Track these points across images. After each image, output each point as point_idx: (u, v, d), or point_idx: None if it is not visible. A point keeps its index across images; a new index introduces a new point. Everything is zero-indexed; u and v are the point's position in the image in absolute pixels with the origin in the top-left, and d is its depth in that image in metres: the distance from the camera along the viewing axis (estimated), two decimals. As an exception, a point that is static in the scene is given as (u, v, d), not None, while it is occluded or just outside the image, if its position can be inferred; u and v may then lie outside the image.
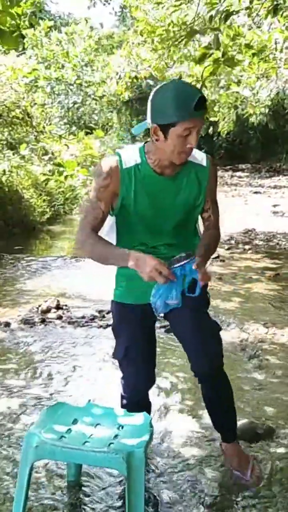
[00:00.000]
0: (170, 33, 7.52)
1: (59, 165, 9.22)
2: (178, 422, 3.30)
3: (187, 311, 2.44)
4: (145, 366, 2.66)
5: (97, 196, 2.40)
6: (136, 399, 2.70)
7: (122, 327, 2.65)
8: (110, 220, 2.53)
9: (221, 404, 2.75)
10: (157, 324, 3.16)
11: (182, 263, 2.20)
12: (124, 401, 2.73)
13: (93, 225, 2.40)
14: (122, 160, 2.40)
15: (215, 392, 2.71)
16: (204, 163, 2.48)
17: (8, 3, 3.21)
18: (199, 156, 2.49)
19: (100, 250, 2.32)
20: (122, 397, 2.75)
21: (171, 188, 2.43)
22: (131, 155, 2.42)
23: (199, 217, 2.61)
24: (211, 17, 5.59)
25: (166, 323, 4.48)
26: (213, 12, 5.59)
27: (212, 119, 16.15)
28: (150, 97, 2.31)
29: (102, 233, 2.50)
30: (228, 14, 5.47)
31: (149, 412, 2.77)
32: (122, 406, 2.72)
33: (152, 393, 2.85)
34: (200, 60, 5.51)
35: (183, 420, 3.32)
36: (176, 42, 6.27)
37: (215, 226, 2.58)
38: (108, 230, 2.54)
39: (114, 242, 2.53)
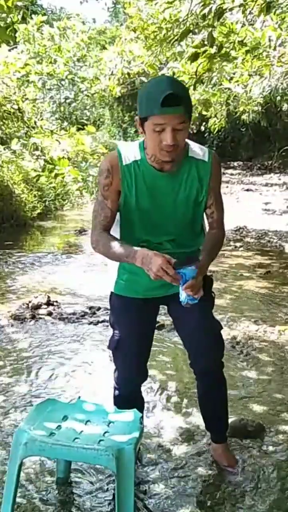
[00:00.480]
0: (162, 31, 7.49)
1: (50, 162, 9.18)
2: (168, 419, 3.30)
3: (192, 308, 2.43)
4: (137, 360, 2.66)
5: (103, 195, 2.42)
6: (127, 391, 2.70)
7: (119, 320, 2.65)
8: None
9: (215, 404, 2.76)
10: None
11: (187, 267, 2.20)
12: (116, 392, 2.74)
13: (104, 225, 2.42)
14: (122, 157, 2.39)
15: (211, 391, 2.72)
16: (206, 159, 2.45)
17: None
18: (201, 152, 2.46)
19: (112, 250, 2.34)
20: (115, 389, 2.75)
21: (171, 185, 2.41)
22: (130, 151, 2.41)
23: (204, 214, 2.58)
24: (204, 15, 5.56)
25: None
26: (206, 10, 5.57)
27: (204, 113, 16.12)
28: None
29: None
30: (221, 12, 5.45)
31: (142, 408, 2.78)
32: (114, 397, 2.74)
33: (142, 390, 2.84)
34: (194, 58, 5.49)
35: (173, 417, 3.32)
36: (170, 41, 6.22)
37: (218, 224, 2.55)
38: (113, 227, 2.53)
39: (118, 237, 2.51)
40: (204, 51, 5.51)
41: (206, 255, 2.38)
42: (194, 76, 6.11)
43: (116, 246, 2.33)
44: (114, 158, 2.40)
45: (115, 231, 2.50)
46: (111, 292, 2.67)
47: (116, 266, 2.58)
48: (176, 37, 5.42)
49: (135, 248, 2.26)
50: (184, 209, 2.45)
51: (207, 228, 2.61)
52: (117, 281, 2.61)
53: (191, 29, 5.53)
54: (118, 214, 2.47)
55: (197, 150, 2.46)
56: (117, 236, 2.50)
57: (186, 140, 2.37)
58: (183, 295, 2.26)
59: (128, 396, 2.70)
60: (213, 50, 5.68)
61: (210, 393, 2.73)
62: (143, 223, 2.44)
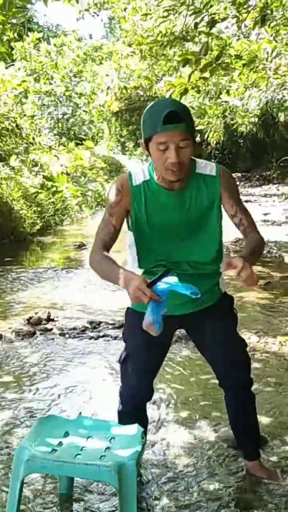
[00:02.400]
0: (158, 44, 7.52)
1: (49, 179, 9.22)
2: (172, 432, 3.28)
3: (216, 328, 2.54)
4: (142, 377, 2.65)
5: (109, 212, 2.45)
6: (131, 407, 2.69)
7: (131, 335, 2.65)
8: (130, 238, 2.53)
9: (247, 421, 2.77)
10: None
11: (161, 280, 2.13)
12: (120, 407, 2.73)
13: (104, 241, 2.42)
14: (132, 178, 2.45)
15: (242, 410, 2.74)
16: (214, 173, 2.46)
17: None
18: (208, 167, 2.48)
19: (103, 268, 2.32)
20: (119, 403, 2.74)
21: (180, 202, 2.43)
22: (140, 172, 2.46)
23: (221, 234, 2.53)
24: (196, 24, 5.60)
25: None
26: (198, 19, 5.61)
27: (200, 127, 16.17)
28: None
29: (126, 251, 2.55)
30: (214, 21, 5.49)
31: (145, 425, 2.75)
32: (118, 412, 2.73)
33: (148, 404, 2.83)
34: (184, 63, 5.51)
35: (178, 431, 3.30)
36: (162, 48, 6.23)
37: (252, 228, 2.47)
38: (129, 247, 2.55)
39: (135, 259, 2.52)
40: (197, 60, 5.52)
41: (249, 248, 2.31)
42: (186, 83, 6.12)
43: (108, 266, 2.29)
44: (125, 179, 2.46)
45: (132, 255, 2.53)
46: (128, 307, 2.67)
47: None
48: (167, 43, 5.43)
49: (120, 269, 2.22)
50: (196, 226, 2.46)
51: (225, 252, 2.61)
52: None
53: (183, 36, 5.55)
54: (132, 237, 2.50)
55: (205, 166, 2.48)
56: (135, 259, 2.51)
57: (193, 157, 2.41)
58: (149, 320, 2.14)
59: (131, 412, 2.68)
60: (209, 59, 5.70)
61: (241, 412, 2.74)
62: (157, 243, 2.46)
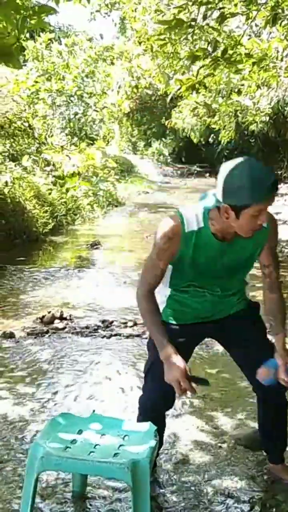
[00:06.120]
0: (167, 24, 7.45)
1: (60, 178, 9.23)
2: (187, 430, 3.30)
3: (248, 328, 2.63)
4: (165, 387, 2.63)
5: (158, 257, 2.45)
6: (151, 417, 2.62)
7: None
8: None
9: (277, 427, 2.77)
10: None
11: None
12: (140, 417, 2.72)
13: (151, 283, 2.49)
14: (185, 224, 2.39)
15: (274, 415, 2.74)
16: (265, 224, 2.39)
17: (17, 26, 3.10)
18: None
19: (147, 319, 2.47)
20: (139, 412, 2.75)
21: (229, 251, 2.45)
22: (194, 218, 2.41)
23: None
24: (205, 16, 5.58)
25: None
26: (208, 12, 5.61)
27: (213, 126, 16.18)
28: (221, 175, 2.26)
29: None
30: (223, 17, 5.46)
31: (162, 431, 2.75)
32: (137, 420, 2.72)
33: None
34: (193, 60, 5.48)
35: (192, 428, 3.32)
36: (169, 30, 6.13)
37: (278, 285, 2.65)
38: None
39: (165, 279, 2.55)
40: (206, 56, 5.49)
41: (282, 325, 2.58)
42: (194, 79, 6.09)
43: (152, 321, 2.44)
44: (177, 227, 2.40)
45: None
46: None
47: (167, 295, 2.61)
48: (175, 25, 5.36)
49: (165, 342, 2.35)
50: (236, 267, 2.53)
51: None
52: (165, 309, 2.62)
53: (190, 25, 5.50)
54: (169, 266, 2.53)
55: None
56: (165, 280, 2.54)
57: None
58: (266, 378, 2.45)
59: (151, 421, 2.63)
60: (218, 53, 5.68)
61: (274, 417, 2.75)
62: (194, 276, 2.50)
